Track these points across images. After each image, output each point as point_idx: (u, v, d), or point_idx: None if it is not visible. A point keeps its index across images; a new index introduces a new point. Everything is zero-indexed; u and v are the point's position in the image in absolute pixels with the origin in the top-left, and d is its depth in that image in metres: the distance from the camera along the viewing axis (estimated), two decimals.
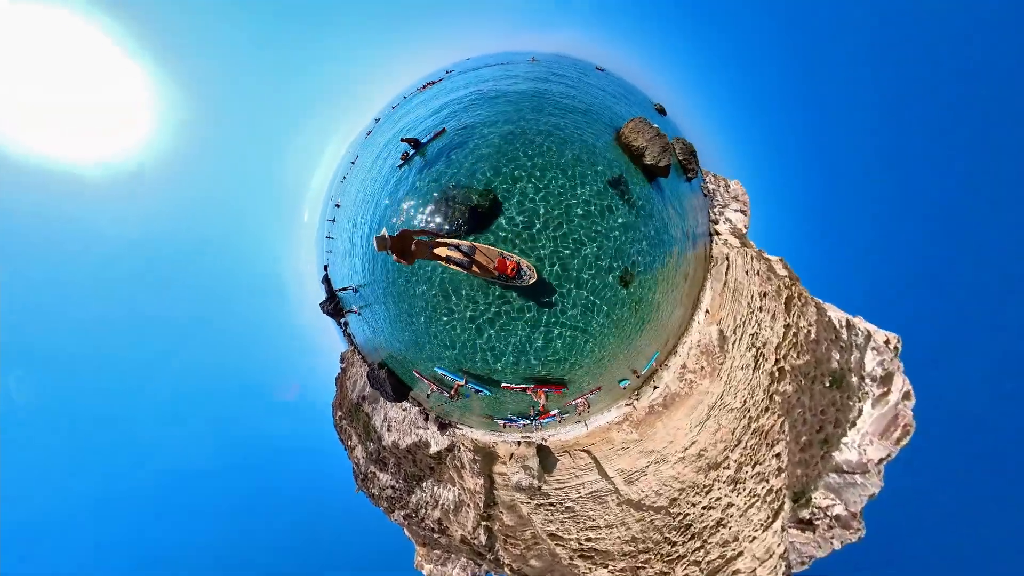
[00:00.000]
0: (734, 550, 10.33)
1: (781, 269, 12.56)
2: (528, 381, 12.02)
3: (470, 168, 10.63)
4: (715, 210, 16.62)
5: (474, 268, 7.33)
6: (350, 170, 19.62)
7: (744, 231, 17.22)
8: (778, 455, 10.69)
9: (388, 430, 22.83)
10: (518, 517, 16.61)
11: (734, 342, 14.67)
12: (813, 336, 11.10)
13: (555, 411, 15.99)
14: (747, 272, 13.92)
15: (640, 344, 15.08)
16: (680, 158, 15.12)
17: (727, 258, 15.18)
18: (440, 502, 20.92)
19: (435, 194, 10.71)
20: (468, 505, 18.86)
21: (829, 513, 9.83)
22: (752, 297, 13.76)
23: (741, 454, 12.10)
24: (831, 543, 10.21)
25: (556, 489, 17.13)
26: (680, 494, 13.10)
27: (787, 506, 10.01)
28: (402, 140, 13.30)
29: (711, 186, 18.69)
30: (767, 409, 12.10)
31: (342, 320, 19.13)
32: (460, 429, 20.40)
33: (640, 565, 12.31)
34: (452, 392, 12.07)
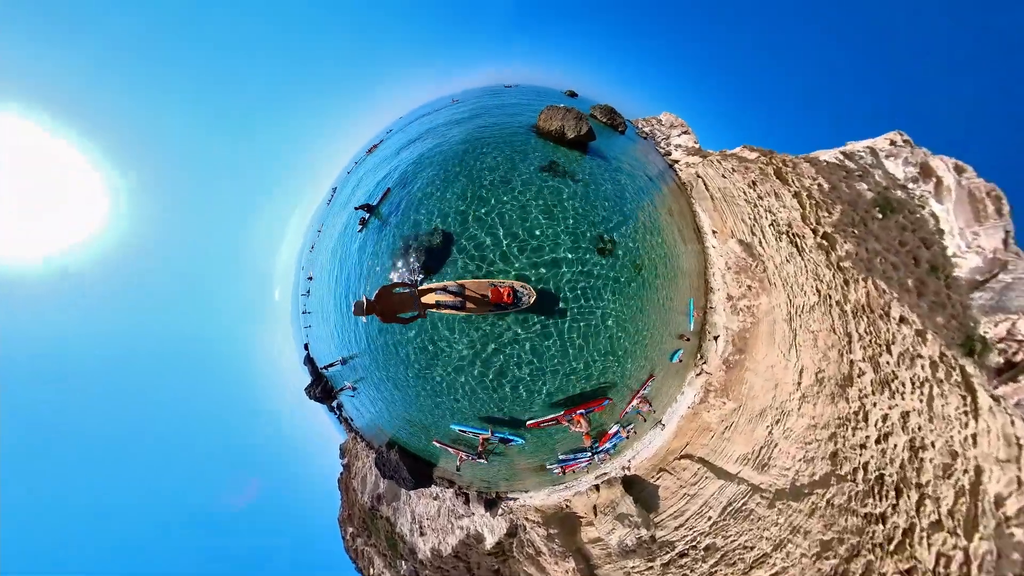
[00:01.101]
0: (966, 470, 7.10)
1: (749, 153, 12.85)
2: (557, 407, 10.02)
3: (427, 213, 11.64)
4: (661, 145, 18.09)
5: (468, 306, 7.12)
6: (317, 239, 20.89)
7: (697, 145, 18.37)
8: (903, 319, 8.58)
9: (421, 534, 17.27)
10: None
11: (759, 242, 13.67)
12: (827, 187, 10.53)
13: (614, 427, 13.06)
14: (724, 176, 14.13)
15: (665, 303, 14.10)
16: (604, 120, 17.39)
17: (698, 175, 15.63)
18: None
19: (399, 247, 11.38)
20: None
21: (1018, 334, 7.26)
22: (744, 193, 13.57)
23: (864, 347, 9.69)
24: None
25: (676, 529, 12.46)
26: (835, 443, 9.74)
27: (969, 367, 7.39)
28: (356, 208, 14.81)
29: (646, 128, 20.81)
30: (847, 282, 10.37)
31: (334, 403, 16.84)
32: (514, 499, 15.95)
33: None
34: (480, 449, 9.82)
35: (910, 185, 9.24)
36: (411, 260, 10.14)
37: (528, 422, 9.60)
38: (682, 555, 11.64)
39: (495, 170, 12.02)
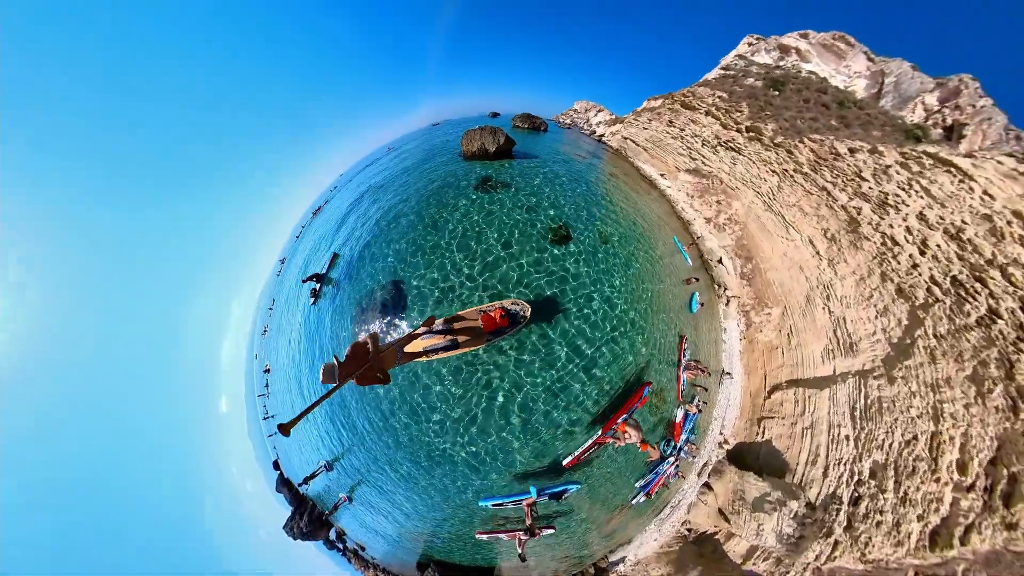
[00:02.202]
0: (1008, 220, 7.41)
1: (654, 102, 15.90)
2: (594, 426, 8.69)
3: (382, 265, 11.63)
4: (584, 128, 21.70)
5: (460, 340, 6.62)
6: (269, 319, 18.16)
7: (613, 116, 22.47)
8: (852, 150, 9.94)
9: None
10: None
11: (702, 162, 15.76)
12: (726, 95, 13.22)
13: (679, 412, 11.47)
14: (645, 128, 16.97)
15: (651, 255, 14.52)
16: (526, 126, 20.54)
17: (625, 138, 18.52)
18: None
19: (362, 306, 10.93)
20: None
21: (932, 107, 8.66)
22: (668, 132, 16.21)
23: (841, 189, 10.75)
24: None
25: (825, 477, 10.18)
26: (890, 280, 9.74)
27: (929, 148, 8.47)
28: (304, 281, 14.10)
29: (566, 120, 24.98)
30: (788, 151, 12.09)
31: (331, 533, 11.89)
32: (620, 560, 12.03)
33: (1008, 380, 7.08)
34: (529, 522, 7.52)
35: (780, 64, 12.05)
36: (378, 314, 9.77)
37: (565, 461, 7.64)
38: (855, 502, 9.32)
39: (437, 205, 12.80)
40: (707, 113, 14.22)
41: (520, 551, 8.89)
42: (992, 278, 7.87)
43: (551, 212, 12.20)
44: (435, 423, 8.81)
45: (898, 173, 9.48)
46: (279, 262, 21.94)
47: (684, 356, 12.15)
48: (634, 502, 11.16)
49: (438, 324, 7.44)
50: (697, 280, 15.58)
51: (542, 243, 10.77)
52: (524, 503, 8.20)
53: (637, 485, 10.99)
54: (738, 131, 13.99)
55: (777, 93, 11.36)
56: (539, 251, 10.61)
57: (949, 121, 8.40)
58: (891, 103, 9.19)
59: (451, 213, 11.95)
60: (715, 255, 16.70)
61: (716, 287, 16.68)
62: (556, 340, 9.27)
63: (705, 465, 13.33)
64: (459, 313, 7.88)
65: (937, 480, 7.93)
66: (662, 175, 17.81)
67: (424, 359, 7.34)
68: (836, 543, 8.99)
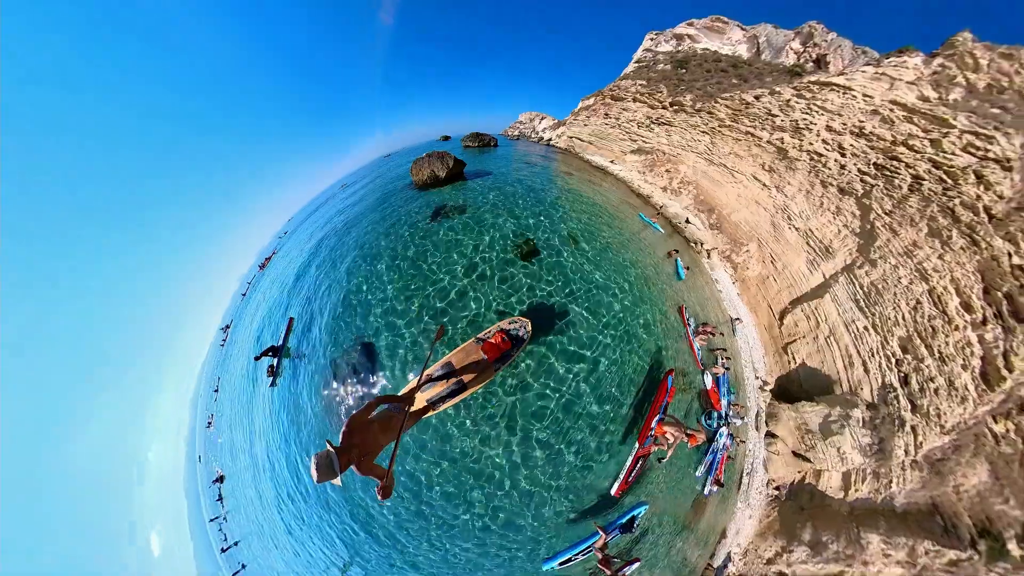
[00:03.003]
0: (911, 119, 9.69)
1: (588, 101, 18.79)
2: (630, 438, 8.14)
3: (348, 324, 10.11)
4: (532, 137, 24.27)
5: (466, 379, 6.07)
6: (213, 403, 14.03)
7: (556, 120, 25.70)
8: (757, 96, 12.69)
9: None
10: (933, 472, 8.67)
11: (643, 141, 18.46)
12: (644, 83, 16.26)
13: (707, 378, 11.02)
14: (585, 124, 19.63)
15: (624, 237, 14.95)
16: (476, 144, 22.20)
17: (570, 137, 21.10)
18: None
19: (334, 374, 9.16)
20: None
21: (798, 50, 11.74)
22: (606, 123, 18.91)
23: (761, 129, 13.30)
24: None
25: (867, 374, 10.78)
26: (831, 180, 11.73)
27: (820, 78, 11.23)
28: (257, 359, 11.67)
29: (514, 132, 27.65)
30: (709, 112, 14.92)
31: None
32: (726, 563, 10.67)
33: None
34: (608, 571, 6.54)
35: (679, 48, 15.33)
36: (360, 380, 8.47)
37: (613, 490, 6.82)
38: (905, 382, 9.81)
39: (398, 244, 11.90)
40: (634, 100, 17.14)
41: None
42: (901, 153, 10.01)
43: (513, 227, 11.81)
44: (467, 494, 7.25)
45: (797, 103, 12.15)
46: (221, 330, 18.57)
47: (689, 325, 12.11)
48: (707, 493, 10.16)
49: (436, 369, 6.41)
50: (677, 252, 16.16)
51: (510, 260, 10.28)
52: (594, 547, 6.86)
53: (699, 474, 10.09)
54: (664, 108, 16.96)
55: (684, 70, 14.37)
56: (509, 268, 9.98)
57: (815, 56, 11.37)
58: (769, 56, 12.26)
59: (414, 251, 11.06)
60: (681, 217, 18.69)
61: (693, 245, 18.35)
62: (555, 357, 8.31)
63: (758, 416, 13.11)
64: (457, 349, 7.03)
65: (956, 328, 8.84)
66: (612, 161, 20.32)
67: (432, 413, 6.36)
68: (914, 429, 9.13)
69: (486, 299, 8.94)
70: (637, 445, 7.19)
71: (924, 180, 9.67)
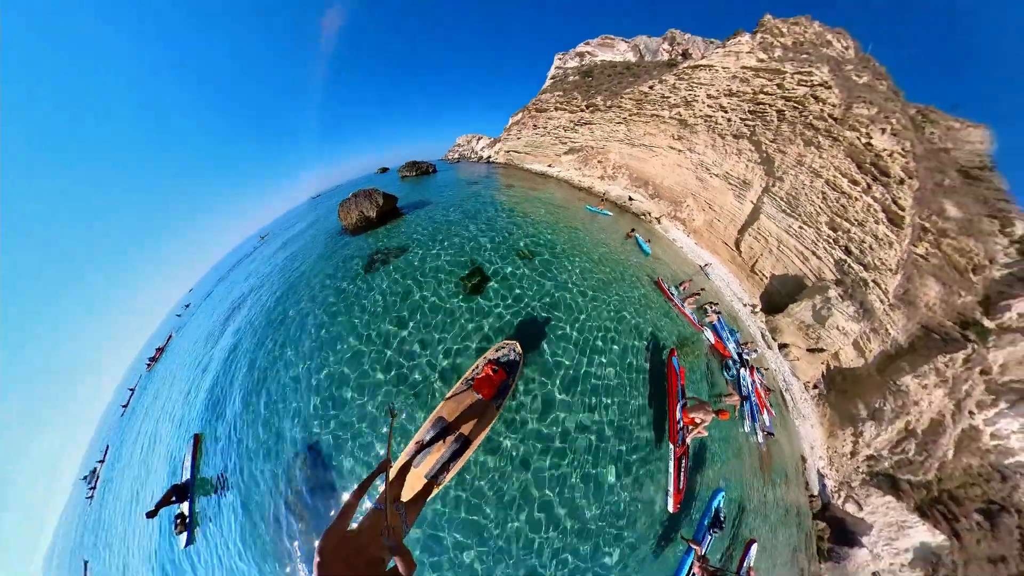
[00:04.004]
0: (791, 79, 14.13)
1: (517, 116, 21.86)
2: (661, 434, 7.19)
3: (277, 427, 7.42)
4: (474, 157, 26.07)
5: (466, 431, 5.09)
6: None
7: (492, 139, 28.49)
8: (651, 86, 16.88)
9: None
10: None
11: (571, 143, 21.93)
12: (560, 94, 20.00)
13: (706, 332, 11.12)
14: (519, 138, 22.42)
15: (580, 234, 14.34)
16: (414, 173, 22.71)
17: (507, 151, 23.59)
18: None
19: (283, 501, 6.47)
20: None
21: (679, 47, 16.91)
22: (537, 133, 21.97)
23: (663, 108, 17.51)
24: None
25: (819, 262, 13.50)
26: (725, 135, 15.73)
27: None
28: (152, 514, 7.54)
29: (454, 156, 29.17)
30: (619, 107, 18.99)
31: None
32: (821, 485, 10.80)
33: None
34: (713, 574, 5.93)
35: (583, 62, 19.52)
36: (312, 495, 6.34)
37: (670, 505, 6.03)
38: (848, 251, 12.45)
39: (331, 311, 9.79)
40: (556, 108, 20.66)
41: None
42: (762, 98, 14.17)
43: (461, 257, 10.72)
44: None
45: (680, 84, 16.45)
46: (84, 479, 11.93)
47: (673, 295, 12.19)
48: (762, 439, 9.99)
49: (426, 432, 5.42)
50: (634, 230, 16.79)
51: (464, 294, 9.34)
52: (695, 567, 5.91)
53: (747, 429, 9.90)
54: (582, 111, 20.78)
55: (591, 78, 18.32)
56: (464, 303, 9.06)
57: (681, 51, 15.98)
58: (650, 57, 16.75)
59: (352, 316, 9.35)
60: (624, 197, 21.89)
61: (643, 217, 21.30)
62: (549, 380, 7.45)
63: (764, 337, 14.64)
64: (445, 399, 6.33)
65: (855, 199, 11.94)
66: (550, 165, 23.20)
67: (436, 490, 5.10)
68: (875, 282, 11.38)
69: (446, 345, 7.75)
70: (672, 446, 6.45)
71: (784, 111, 13.78)
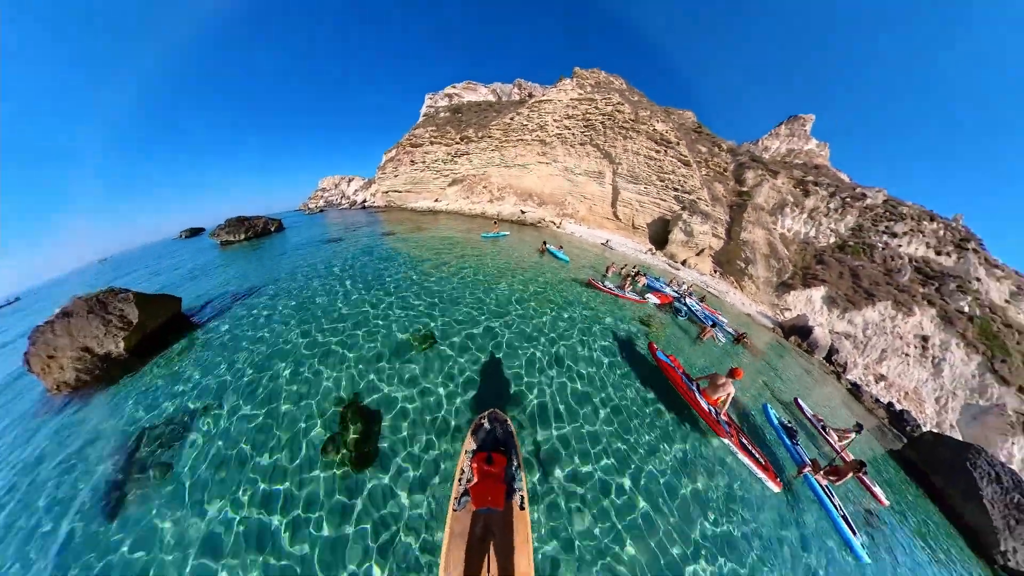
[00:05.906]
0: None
1: (390, 153, 22.19)
2: (697, 425, 4.33)
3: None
4: (348, 203, 23.04)
5: (497, 565, 3.29)
6: None
7: (366, 180, 26.88)
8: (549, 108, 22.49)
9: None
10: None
11: (453, 173, 24.55)
12: (440, 123, 22.65)
13: (648, 295, 12.03)
14: (396, 176, 22.55)
15: (498, 268, 11.70)
16: (241, 236, 16.55)
17: (386, 192, 22.99)
18: None
19: None
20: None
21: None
22: (416, 170, 23.06)
23: (519, 128, 23.25)
24: None
25: (675, 197, 21.03)
26: (577, 144, 22.68)
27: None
28: None
29: (318, 204, 24.47)
30: (489, 133, 23.58)
31: None
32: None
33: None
34: (830, 472, 5.57)
35: (452, 101, 23.18)
36: None
37: (772, 487, 5.73)
38: (686, 191, 19.82)
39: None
40: (431, 143, 22.78)
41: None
42: (591, 115, 21.67)
43: (314, 419, 3.84)
44: None
45: (532, 113, 22.64)
46: None
47: (608, 287, 12.10)
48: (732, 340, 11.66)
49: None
50: (545, 244, 16.55)
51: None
52: (820, 481, 5.59)
53: (722, 340, 11.25)
54: (457, 143, 23.91)
55: (461, 114, 21.95)
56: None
57: (528, 93, 22.33)
58: (507, 98, 22.30)
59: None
60: (516, 213, 25.51)
61: (539, 224, 25.37)
62: (567, 452, 5.66)
63: (670, 266, 19.78)
64: (444, 545, 3.60)
65: (677, 166, 19.73)
66: (436, 200, 24.22)
67: None
68: (699, 198, 18.39)
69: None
70: (727, 442, 5.65)
71: (605, 122, 21.55)
